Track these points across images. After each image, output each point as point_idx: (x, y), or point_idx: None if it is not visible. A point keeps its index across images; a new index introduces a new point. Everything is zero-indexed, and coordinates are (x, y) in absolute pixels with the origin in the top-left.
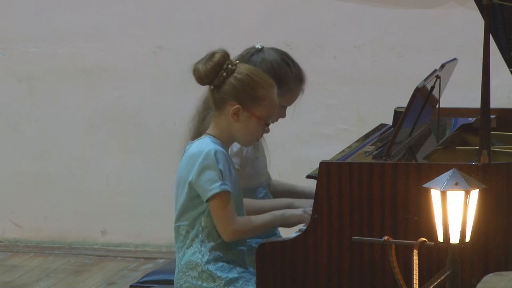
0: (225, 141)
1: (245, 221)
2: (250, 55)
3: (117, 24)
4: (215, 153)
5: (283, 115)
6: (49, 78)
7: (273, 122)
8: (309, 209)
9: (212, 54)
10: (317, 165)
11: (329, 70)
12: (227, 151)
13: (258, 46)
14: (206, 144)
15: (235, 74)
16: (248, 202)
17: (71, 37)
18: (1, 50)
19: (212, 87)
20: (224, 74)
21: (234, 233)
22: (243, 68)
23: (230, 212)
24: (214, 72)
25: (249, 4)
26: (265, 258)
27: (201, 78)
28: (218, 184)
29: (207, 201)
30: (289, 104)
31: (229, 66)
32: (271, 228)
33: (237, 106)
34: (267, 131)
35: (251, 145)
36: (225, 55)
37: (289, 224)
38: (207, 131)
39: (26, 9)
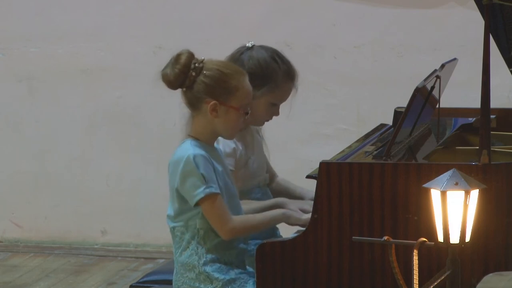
0: (207, 139)
1: (242, 219)
2: (240, 53)
3: (117, 24)
4: (194, 158)
5: (276, 113)
6: (49, 78)
7: (267, 121)
8: (306, 208)
9: (178, 57)
10: (317, 165)
11: (329, 70)
12: (213, 148)
13: (248, 44)
14: (185, 149)
15: (204, 71)
16: (242, 203)
17: (71, 37)
18: (1, 50)
19: (184, 89)
20: (193, 73)
21: (232, 231)
22: (210, 63)
23: (222, 212)
24: (183, 74)
25: (249, 4)
26: (265, 258)
27: (171, 82)
28: (201, 189)
29: (195, 206)
30: (281, 101)
31: (196, 64)
32: (272, 226)
33: (213, 102)
34: (263, 124)
35: (235, 137)
36: (190, 55)
37: (289, 223)
38: (189, 133)
39: (26, 9)
